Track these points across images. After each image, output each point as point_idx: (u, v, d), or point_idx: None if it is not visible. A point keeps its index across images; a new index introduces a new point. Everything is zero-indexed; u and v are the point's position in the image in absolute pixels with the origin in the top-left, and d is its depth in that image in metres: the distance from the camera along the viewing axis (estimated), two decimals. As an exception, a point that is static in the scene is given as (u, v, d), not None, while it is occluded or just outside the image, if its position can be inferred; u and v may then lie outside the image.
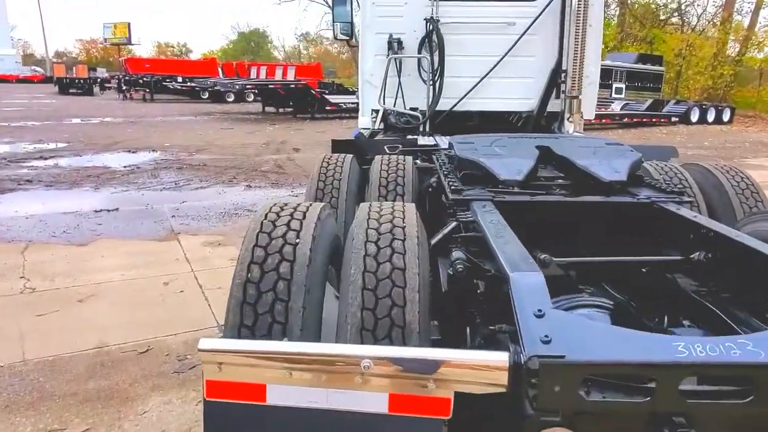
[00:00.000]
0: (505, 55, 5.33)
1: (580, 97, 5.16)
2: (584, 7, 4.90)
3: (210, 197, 8.76)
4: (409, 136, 5.97)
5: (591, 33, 5.14)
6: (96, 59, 75.60)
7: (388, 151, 3.98)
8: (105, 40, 56.87)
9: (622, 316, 2.12)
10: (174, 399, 3.40)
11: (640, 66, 25.35)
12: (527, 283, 1.80)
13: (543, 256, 2.37)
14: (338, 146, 4.76)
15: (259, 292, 2.00)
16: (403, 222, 2.28)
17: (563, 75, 5.27)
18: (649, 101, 24.10)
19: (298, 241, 2.18)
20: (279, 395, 1.46)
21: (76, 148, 13.63)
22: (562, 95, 5.35)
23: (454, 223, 3.03)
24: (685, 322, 2.16)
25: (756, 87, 32.48)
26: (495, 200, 2.92)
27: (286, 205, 2.50)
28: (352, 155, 4.16)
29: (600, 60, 5.62)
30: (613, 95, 23.59)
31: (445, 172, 3.53)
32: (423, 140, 5.36)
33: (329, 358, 1.48)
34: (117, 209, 7.92)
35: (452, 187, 3.07)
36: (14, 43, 79.64)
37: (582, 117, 5.34)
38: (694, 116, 24.22)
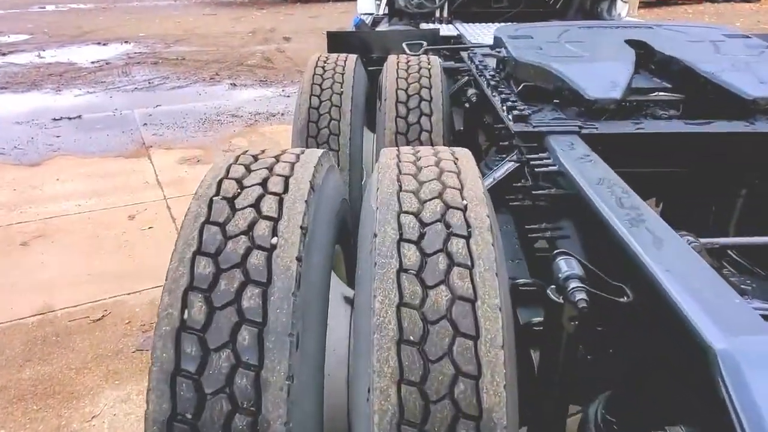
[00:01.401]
0: None
1: None
2: None
3: (188, 99, 7.57)
4: (424, 25, 4.75)
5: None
6: None
7: (407, 50, 2.86)
8: None
9: None
10: (133, 394, 2.60)
11: None
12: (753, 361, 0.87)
13: (688, 238, 1.41)
14: (336, 42, 3.61)
15: (203, 358, 1.07)
16: (462, 195, 1.31)
17: None
18: None
19: (275, 242, 1.21)
20: None
21: (39, 41, 12.03)
22: None
23: (512, 166, 2.06)
24: None
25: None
26: (583, 133, 1.91)
27: (256, 158, 1.51)
28: (356, 56, 3.04)
29: None
30: None
31: (493, 84, 2.46)
32: (445, 30, 4.16)
33: None
34: (79, 117, 6.78)
35: (514, 111, 2.03)
36: None
37: None
38: None
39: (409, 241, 1.19)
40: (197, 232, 1.22)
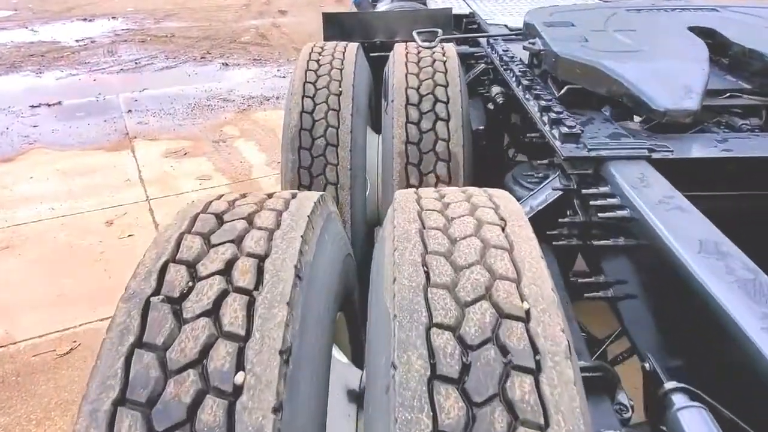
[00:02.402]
0: None
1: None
2: None
3: (177, 81, 7.07)
4: (432, 2, 4.23)
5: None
6: None
7: (418, 40, 2.39)
8: None
9: None
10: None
11: None
12: None
13: None
14: (333, 25, 3.12)
15: None
16: (521, 293, 0.89)
17: None
18: None
19: (249, 355, 0.80)
20: None
21: (22, 18, 11.41)
22: None
23: (555, 194, 1.65)
24: None
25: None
26: (654, 158, 1.48)
27: (220, 218, 1.08)
28: (357, 45, 2.57)
29: None
30: None
31: (526, 83, 2.01)
32: (456, 7, 3.66)
33: None
34: (59, 103, 6.30)
35: (562, 128, 1.58)
36: None
37: None
38: None
39: (443, 351, 0.78)
40: (120, 365, 0.80)
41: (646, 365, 1.21)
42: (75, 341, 2.80)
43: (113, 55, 8.48)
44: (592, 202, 1.41)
